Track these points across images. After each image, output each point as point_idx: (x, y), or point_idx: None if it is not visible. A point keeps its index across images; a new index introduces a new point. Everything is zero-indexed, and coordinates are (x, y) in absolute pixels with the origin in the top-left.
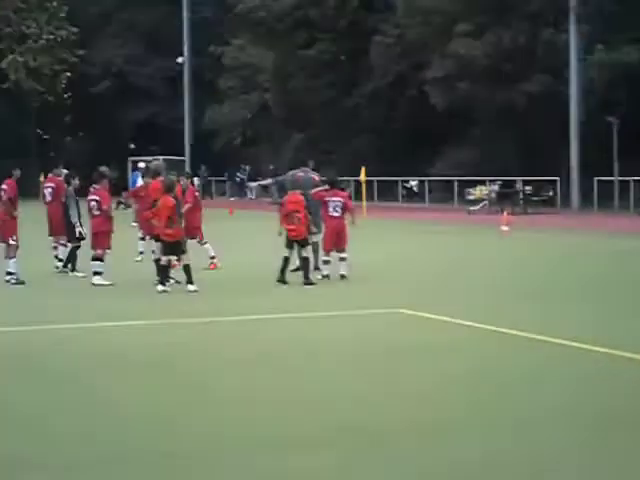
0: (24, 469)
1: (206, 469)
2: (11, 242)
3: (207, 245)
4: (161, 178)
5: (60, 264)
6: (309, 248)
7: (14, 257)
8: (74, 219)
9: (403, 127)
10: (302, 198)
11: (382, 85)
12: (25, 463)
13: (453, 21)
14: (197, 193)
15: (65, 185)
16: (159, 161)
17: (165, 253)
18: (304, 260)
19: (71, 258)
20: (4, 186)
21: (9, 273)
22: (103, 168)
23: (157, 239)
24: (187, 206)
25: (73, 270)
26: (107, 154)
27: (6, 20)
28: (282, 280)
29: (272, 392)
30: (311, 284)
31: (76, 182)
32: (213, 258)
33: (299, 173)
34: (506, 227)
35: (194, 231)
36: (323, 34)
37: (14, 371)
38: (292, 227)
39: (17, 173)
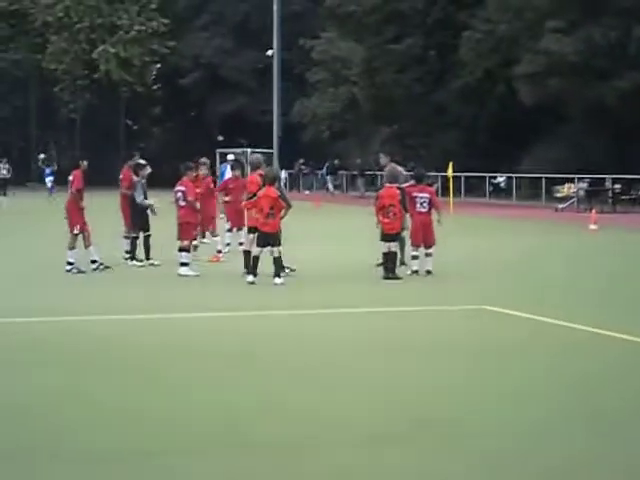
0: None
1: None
2: (75, 232)
3: (218, 238)
4: (260, 171)
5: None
6: (397, 243)
7: (74, 248)
8: (141, 200)
9: (491, 123)
10: (398, 192)
11: (471, 80)
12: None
13: (544, 17)
14: (212, 184)
15: (131, 175)
16: (257, 155)
17: (260, 244)
18: (392, 254)
19: (133, 248)
20: (71, 177)
21: (69, 263)
22: (203, 160)
23: (251, 230)
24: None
25: (148, 259)
26: (195, 145)
27: (98, 11)
28: (390, 276)
29: (358, 381)
30: (395, 278)
31: (145, 172)
32: (219, 252)
33: (390, 167)
34: (594, 226)
35: (208, 221)
36: (413, 28)
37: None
38: (387, 221)
39: (84, 164)
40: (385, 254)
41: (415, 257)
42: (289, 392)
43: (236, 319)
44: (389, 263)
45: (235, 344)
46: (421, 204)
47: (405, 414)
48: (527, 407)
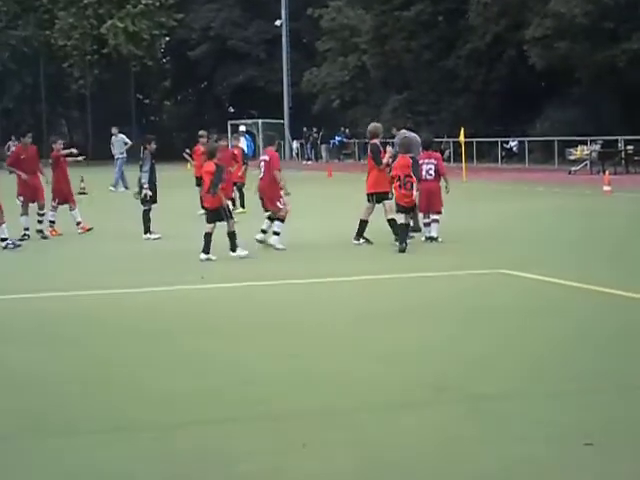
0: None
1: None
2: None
3: (76, 211)
4: (376, 140)
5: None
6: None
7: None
8: (143, 180)
9: (502, 87)
10: (410, 161)
11: (481, 45)
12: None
13: None
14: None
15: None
16: (375, 123)
17: (208, 221)
18: (405, 226)
19: (147, 220)
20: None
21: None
22: (201, 132)
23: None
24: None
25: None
26: (207, 117)
27: None
28: (404, 249)
29: (378, 347)
30: (403, 250)
31: (152, 146)
32: (79, 224)
33: (406, 134)
34: (608, 187)
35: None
36: None
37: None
38: (404, 192)
39: (27, 140)
40: (402, 224)
41: (426, 224)
42: (310, 360)
43: (247, 288)
44: (401, 233)
45: (242, 314)
46: (427, 171)
47: (421, 381)
48: (537, 372)
